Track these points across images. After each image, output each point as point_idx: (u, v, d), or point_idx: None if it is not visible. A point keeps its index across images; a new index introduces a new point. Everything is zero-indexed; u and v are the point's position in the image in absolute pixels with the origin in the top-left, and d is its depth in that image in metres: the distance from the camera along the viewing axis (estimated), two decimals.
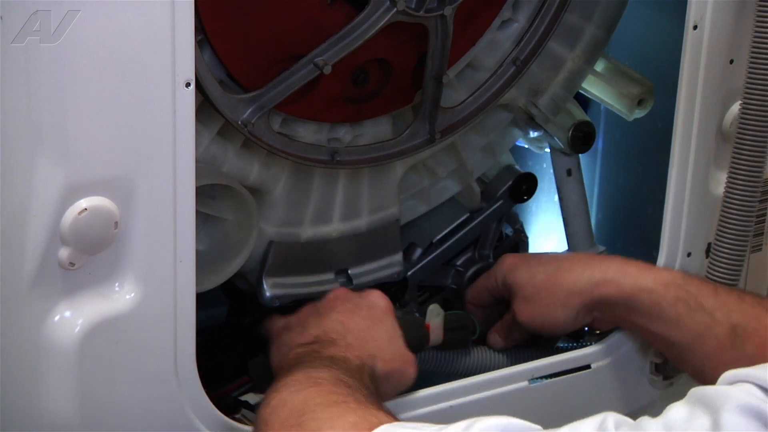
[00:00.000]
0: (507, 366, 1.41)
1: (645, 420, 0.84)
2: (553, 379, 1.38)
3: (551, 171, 1.63)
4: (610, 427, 0.84)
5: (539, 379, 1.39)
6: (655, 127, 1.58)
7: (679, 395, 1.46)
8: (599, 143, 1.69)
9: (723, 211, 1.37)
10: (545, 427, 1.40)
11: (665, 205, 1.44)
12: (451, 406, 1.31)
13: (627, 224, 1.69)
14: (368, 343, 1.26)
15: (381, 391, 1.22)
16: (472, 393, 1.33)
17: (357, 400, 1.05)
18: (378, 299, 1.34)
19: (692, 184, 1.43)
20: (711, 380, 1.21)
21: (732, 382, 0.84)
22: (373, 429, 0.95)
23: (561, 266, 1.41)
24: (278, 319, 1.35)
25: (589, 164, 1.70)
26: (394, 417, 1.02)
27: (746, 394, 0.81)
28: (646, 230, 1.58)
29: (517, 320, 1.43)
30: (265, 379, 1.30)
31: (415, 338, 1.35)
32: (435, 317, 1.40)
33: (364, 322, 1.29)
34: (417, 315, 1.45)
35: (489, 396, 1.34)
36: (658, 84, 1.55)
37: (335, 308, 1.31)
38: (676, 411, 0.83)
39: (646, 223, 1.61)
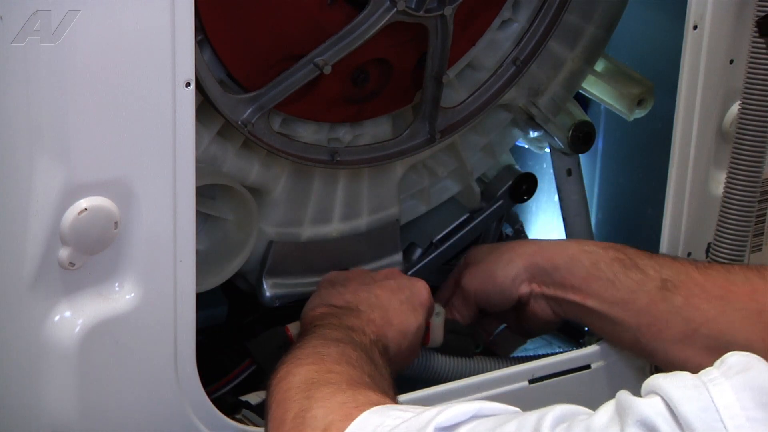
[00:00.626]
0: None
1: (578, 421, 0.85)
2: (553, 379, 1.38)
3: (551, 171, 1.63)
4: (545, 427, 0.85)
5: (539, 380, 1.39)
6: (655, 127, 1.58)
7: None
8: (599, 143, 1.69)
9: (722, 211, 1.37)
10: None
11: (665, 206, 1.44)
12: None
13: (627, 224, 1.69)
14: (391, 326, 1.27)
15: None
16: (472, 393, 1.33)
17: (351, 379, 1.06)
18: (422, 290, 1.34)
19: (692, 185, 1.44)
20: (647, 339, 1.29)
21: (648, 392, 0.85)
22: (360, 407, 0.97)
23: (520, 241, 1.46)
24: (330, 273, 1.38)
25: (589, 164, 1.70)
26: (390, 397, 1.04)
27: (649, 407, 0.83)
28: (646, 230, 1.58)
29: (461, 287, 1.44)
30: (268, 357, 1.30)
31: None
32: (435, 316, 1.40)
33: (399, 306, 1.30)
34: None
35: (489, 396, 1.33)
36: (658, 84, 1.55)
37: (380, 281, 1.34)
38: (600, 416, 0.85)
39: (646, 223, 1.61)
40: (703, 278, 1.29)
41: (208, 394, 1.18)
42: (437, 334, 1.41)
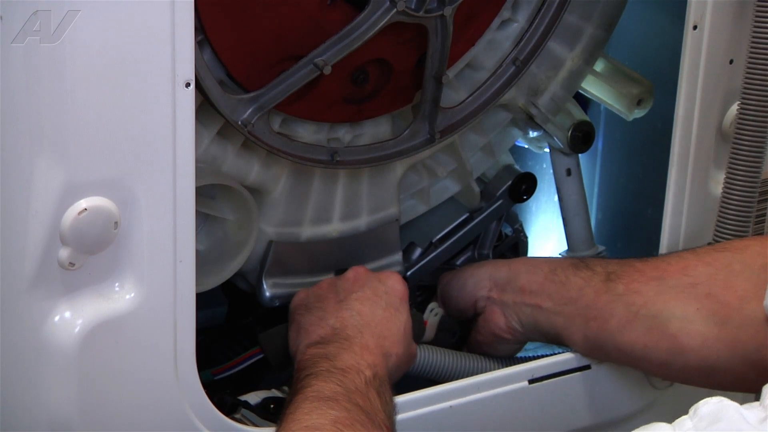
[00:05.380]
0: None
1: None
2: (553, 379, 1.38)
3: (551, 171, 1.63)
4: None
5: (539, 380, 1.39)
6: (655, 127, 1.58)
7: (678, 396, 1.47)
8: (599, 143, 1.69)
9: (721, 211, 1.38)
10: (545, 427, 1.41)
11: (665, 205, 1.44)
12: (451, 406, 1.31)
13: (627, 224, 1.69)
14: (385, 339, 1.27)
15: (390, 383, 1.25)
16: (472, 393, 1.33)
17: None
18: (397, 284, 1.35)
19: (692, 184, 1.44)
20: (594, 333, 1.34)
21: None
22: None
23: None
24: (299, 293, 1.36)
25: (589, 164, 1.70)
26: None
27: None
28: (646, 230, 1.58)
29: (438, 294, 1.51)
30: (277, 352, 1.33)
31: (414, 332, 1.35)
32: (434, 316, 1.42)
33: (383, 314, 1.30)
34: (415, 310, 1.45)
35: (489, 396, 1.34)
36: (658, 84, 1.55)
37: (354, 292, 1.32)
38: None
39: (646, 223, 1.61)
40: (642, 264, 1.34)
41: (212, 374, 1.17)
42: (430, 332, 1.42)
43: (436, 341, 1.45)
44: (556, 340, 1.41)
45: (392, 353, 1.27)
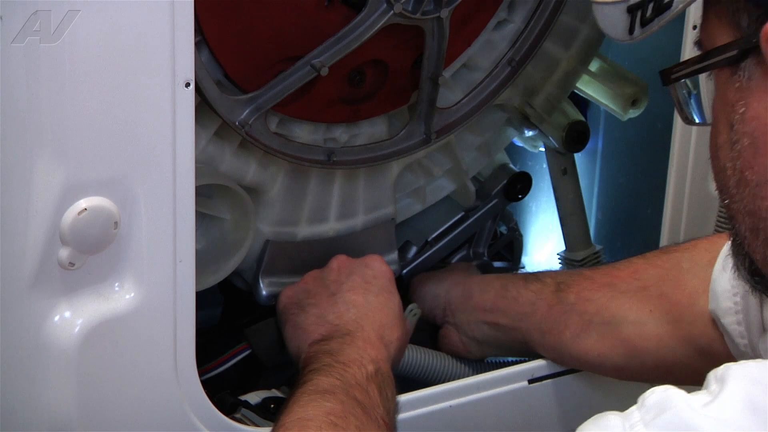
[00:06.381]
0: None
1: None
2: (553, 379, 1.39)
3: None
4: None
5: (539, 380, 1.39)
6: (655, 127, 1.58)
7: None
8: (599, 143, 1.69)
9: (721, 210, 1.38)
10: (545, 427, 1.41)
11: (665, 205, 1.45)
12: (450, 406, 1.32)
13: (627, 224, 1.69)
14: (384, 327, 1.28)
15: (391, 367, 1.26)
16: (472, 393, 1.33)
17: None
18: (382, 266, 1.36)
19: (691, 184, 1.44)
20: (551, 344, 1.35)
21: None
22: None
23: (464, 270, 1.53)
24: (286, 291, 1.36)
25: (588, 164, 1.70)
26: None
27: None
28: (646, 230, 1.59)
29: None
30: (265, 346, 1.34)
31: None
32: (412, 316, 1.42)
33: (377, 300, 1.31)
34: None
35: (489, 396, 1.34)
36: (658, 84, 1.54)
37: (344, 283, 1.33)
38: None
39: (646, 223, 1.61)
40: (591, 272, 1.36)
41: (201, 374, 1.17)
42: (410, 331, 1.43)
43: (414, 341, 1.45)
44: (520, 354, 1.42)
45: (392, 339, 1.28)
